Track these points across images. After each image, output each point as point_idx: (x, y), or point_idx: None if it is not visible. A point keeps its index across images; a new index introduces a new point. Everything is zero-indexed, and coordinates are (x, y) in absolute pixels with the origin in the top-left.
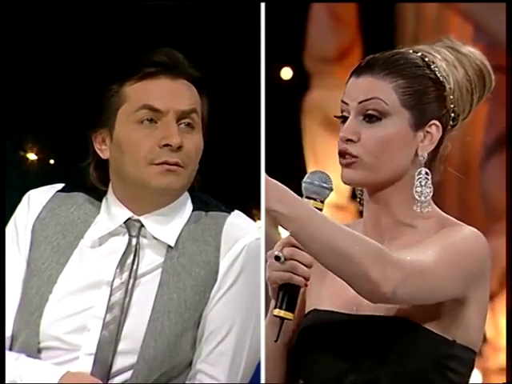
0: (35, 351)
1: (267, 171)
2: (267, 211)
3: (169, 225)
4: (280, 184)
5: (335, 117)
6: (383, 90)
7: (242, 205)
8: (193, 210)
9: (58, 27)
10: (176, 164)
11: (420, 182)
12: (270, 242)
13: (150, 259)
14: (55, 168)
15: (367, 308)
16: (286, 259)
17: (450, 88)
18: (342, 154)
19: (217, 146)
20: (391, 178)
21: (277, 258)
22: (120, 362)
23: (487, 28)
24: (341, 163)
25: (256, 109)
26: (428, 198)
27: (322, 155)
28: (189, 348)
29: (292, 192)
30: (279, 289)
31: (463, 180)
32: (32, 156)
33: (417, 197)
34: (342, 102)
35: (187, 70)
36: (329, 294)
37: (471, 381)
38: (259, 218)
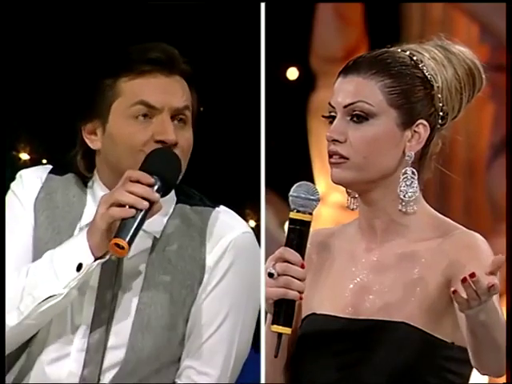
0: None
1: (273, 172)
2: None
3: (154, 218)
4: None
5: (323, 116)
6: (369, 90)
7: (237, 205)
8: (176, 203)
9: (57, 27)
10: None
11: (405, 181)
12: (273, 242)
13: (135, 253)
14: None
15: (366, 312)
16: (279, 275)
17: (438, 87)
18: (332, 154)
19: (218, 146)
20: (379, 177)
21: (270, 275)
22: (112, 357)
23: (493, 28)
24: (330, 162)
25: (258, 108)
26: (413, 197)
27: (327, 156)
28: (177, 343)
29: None
30: (275, 304)
31: (469, 180)
32: (24, 156)
33: (401, 196)
34: (329, 104)
35: (181, 66)
36: (326, 297)
37: (477, 381)
38: (252, 218)
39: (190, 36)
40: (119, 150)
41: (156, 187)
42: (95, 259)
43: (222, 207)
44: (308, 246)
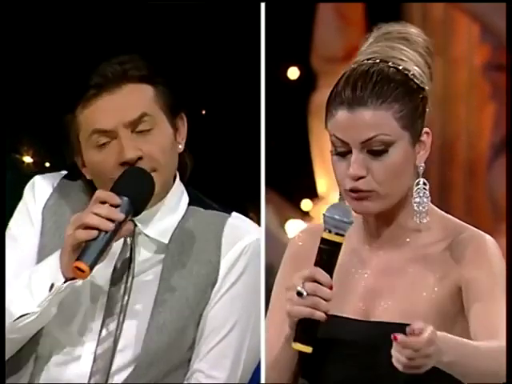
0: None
1: (274, 172)
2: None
3: (163, 222)
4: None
5: (331, 152)
6: (385, 121)
7: (241, 208)
8: (188, 205)
9: (59, 30)
10: None
11: (418, 192)
12: (274, 241)
13: (147, 257)
14: (51, 171)
15: (378, 315)
16: (308, 294)
17: (427, 89)
18: (355, 191)
19: (218, 148)
20: (401, 197)
21: (299, 294)
22: (121, 359)
23: (494, 28)
24: (352, 197)
25: (258, 108)
26: (426, 208)
27: (328, 155)
28: (188, 346)
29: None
30: (298, 322)
31: (470, 180)
32: (28, 159)
33: (415, 207)
34: (338, 139)
35: (129, 73)
36: (335, 298)
37: None
38: (256, 222)
39: (189, 36)
40: (95, 180)
41: (123, 207)
42: (65, 280)
43: (236, 214)
44: (309, 241)
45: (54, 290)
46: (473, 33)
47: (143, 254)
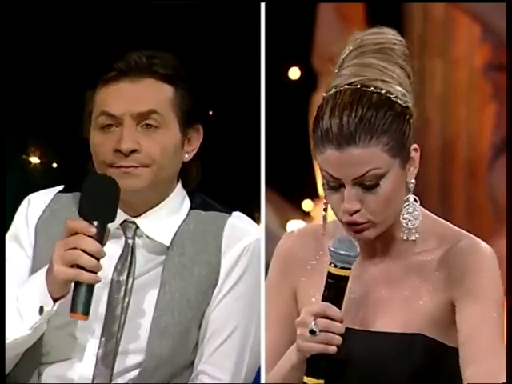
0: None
1: (274, 172)
2: None
3: (164, 224)
4: None
5: (323, 185)
6: (375, 156)
7: (244, 208)
8: (190, 208)
9: (56, 29)
10: (132, 167)
11: (407, 209)
12: (275, 242)
13: (148, 259)
14: (58, 171)
15: (378, 324)
16: (320, 331)
17: (412, 104)
18: (352, 225)
19: (220, 149)
20: (396, 217)
21: (312, 332)
22: (123, 362)
23: (495, 28)
24: (349, 229)
25: (259, 109)
26: (415, 225)
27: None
28: (192, 348)
29: None
30: (310, 356)
31: (471, 180)
32: (35, 160)
33: (404, 224)
34: (330, 175)
35: (153, 68)
36: None
37: None
38: (259, 222)
39: (189, 36)
40: (94, 161)
41: (98, 233)
42: (54, 301)
43: (237, 213)
44: (299, 242)
45: (44, 314)
46: (473, 33)
47: (144, 256)
